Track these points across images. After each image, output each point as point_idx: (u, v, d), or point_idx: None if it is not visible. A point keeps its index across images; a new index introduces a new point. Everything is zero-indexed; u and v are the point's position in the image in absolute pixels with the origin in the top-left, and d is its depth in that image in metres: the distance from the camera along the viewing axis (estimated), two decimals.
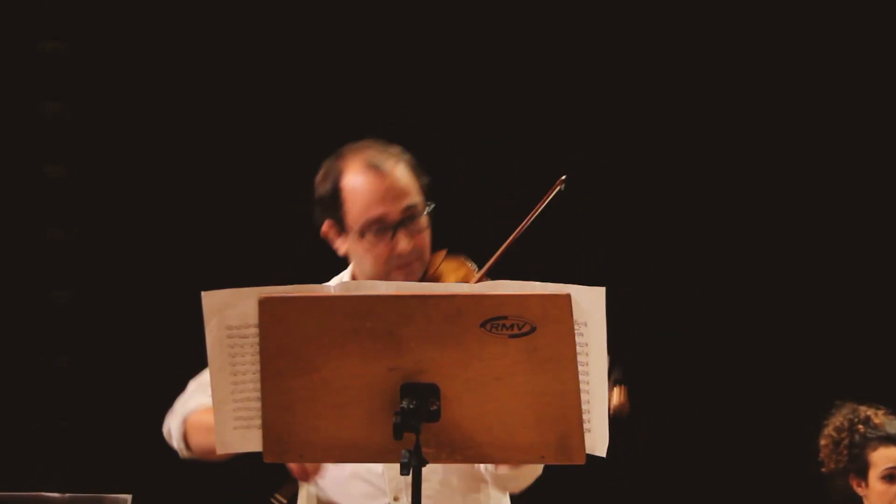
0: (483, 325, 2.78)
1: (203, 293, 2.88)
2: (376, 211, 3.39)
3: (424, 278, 3.42)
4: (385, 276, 3.40)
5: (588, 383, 2.82)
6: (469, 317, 2.77)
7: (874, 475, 4.93)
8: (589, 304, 2.79)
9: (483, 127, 6.04)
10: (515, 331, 2.78)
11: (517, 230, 3.36)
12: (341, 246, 3.47)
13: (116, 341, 6.17)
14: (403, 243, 3.39)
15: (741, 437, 6.09)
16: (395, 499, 3.41)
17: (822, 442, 5.03)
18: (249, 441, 2.91)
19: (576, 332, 2.77)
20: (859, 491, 4.96)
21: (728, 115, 6.15)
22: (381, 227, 3.39)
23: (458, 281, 3.37)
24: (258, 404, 2.87)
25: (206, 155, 6.19)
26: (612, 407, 3.02)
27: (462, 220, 3.61)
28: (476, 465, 3.36)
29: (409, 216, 3.40)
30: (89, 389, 6.16)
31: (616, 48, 6.14)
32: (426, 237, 3.43)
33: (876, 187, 6.12)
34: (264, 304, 2.83)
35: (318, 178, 3.48)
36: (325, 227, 3.47)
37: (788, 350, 6.10)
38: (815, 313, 6.10)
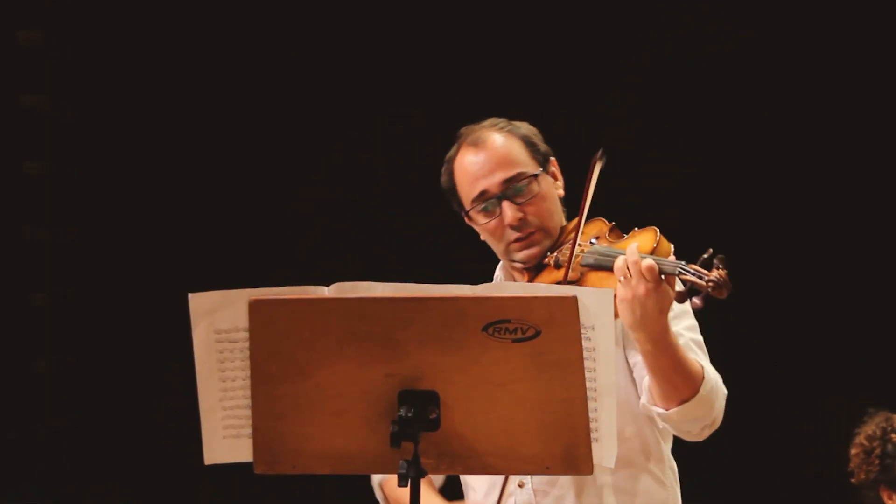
0: (485, 328, 2.77)
1: (190, 295, 2.87)
2: (477, 187, 3.44)
3: (556, 246, 3.39)
4: (507, 254, 3.44)
5: (595, 390, 2.81)
6: (470, 320, 2.77)
7: None
8: (596, 306, 2.78)
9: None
10: (519, 335, 2.77)
11: (578, 224, 3.33)
12: (479, 232, 3.50)
13: (98, 345, 6.16)
14: (509, 214, 3.40)
15: (766, 442, 6.11)
16: (520, 485, 3.41)
17: (853, 451, 4.99)
18: (239, 451, 2.90)
19: (583, 336, 2.77)
20: None
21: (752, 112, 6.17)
22: (486, 203, 3.43)
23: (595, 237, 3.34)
24: (248, 412, 2.87)
25: (195, 150, 6.19)
26: (714, 278, 2.99)
27: None
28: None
29: (512, 186, 3.42)
30: (69, 395, 6.16)
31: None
32: (540, 204, 3.42)
33: None
34: (255, 306, 2.82)
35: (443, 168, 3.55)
36: (464, 217, 3.51)
37: (821, 355, 6.11)
38: (847, 315, 6.11)
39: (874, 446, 4.96)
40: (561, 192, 3.50)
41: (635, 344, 3.19)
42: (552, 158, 3.51)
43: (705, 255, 3.05)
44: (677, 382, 3.17)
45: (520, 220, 3.41)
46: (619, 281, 3.10)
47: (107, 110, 6.20)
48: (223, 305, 2.86)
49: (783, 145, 6.16)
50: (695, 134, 6.16)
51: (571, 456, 2.81)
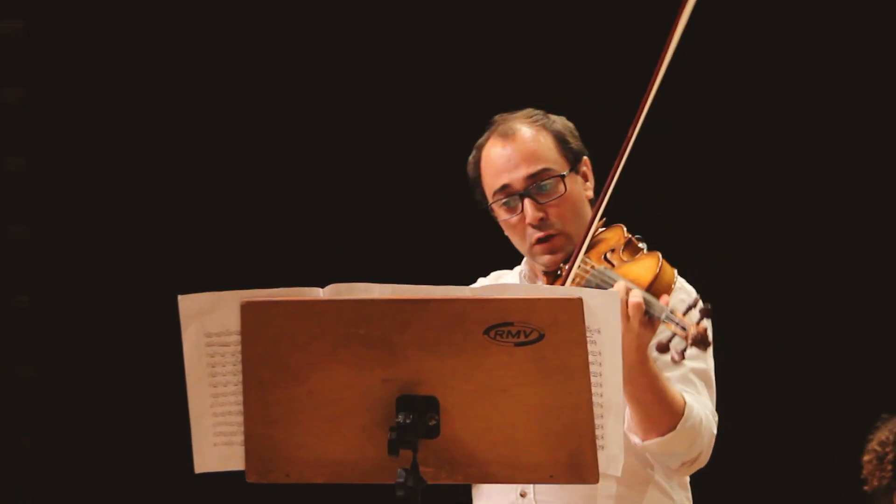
0: (487, 331, 2.77)
1: (180, 297, 2.88)
2: (500, 180, 3.43)
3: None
4: (531, 254, 3.43)
5: (601, 395, 2.81)
6: (471, 323, 2.77)
7: None
8: (602, 309, 2.78)
9: None
10: (522, 338, 2.77)
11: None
12: (502, 227, 3.50)
13: (85, 349, 6.17)
14: (530, 212, 3.39)
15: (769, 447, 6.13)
16: (522, 494, 3.41)
17: (866, 458, 5.00)
18: (231, 459, 2.90)
19: (588, 339, 2.77)
20: None
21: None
22: (508, 198, 3.43)
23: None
24: (240, 419, 2.87)
25: (185, 146, 6.19)
26: (693, 334, 3.02)
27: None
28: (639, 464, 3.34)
29: (535, 184, 3.41)
30: (55, 401, 6.16)
31: None
32: (564, 206, 3.41)
33: None
34: (247, 308, 2.82)
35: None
36: (487, 209, 3.50)
37: (833, 357, 6.13)
38: (857, 321, 6.13)
39: (887, 451, 4.97)
40: (590, 193, 3.48)
41: None
42: (585, 157, 3.49)
43: (691, 304, 3.08)
44: (653, 414, 3.19)
45: (540, 219, 3.40)
46: None
47: (85, 101, 6.19)
48: (214, 307, 2.86)
49: (783, 148, 6.18)
50: (694, 137, 6.19)
51: (576, 464, 2.81)
